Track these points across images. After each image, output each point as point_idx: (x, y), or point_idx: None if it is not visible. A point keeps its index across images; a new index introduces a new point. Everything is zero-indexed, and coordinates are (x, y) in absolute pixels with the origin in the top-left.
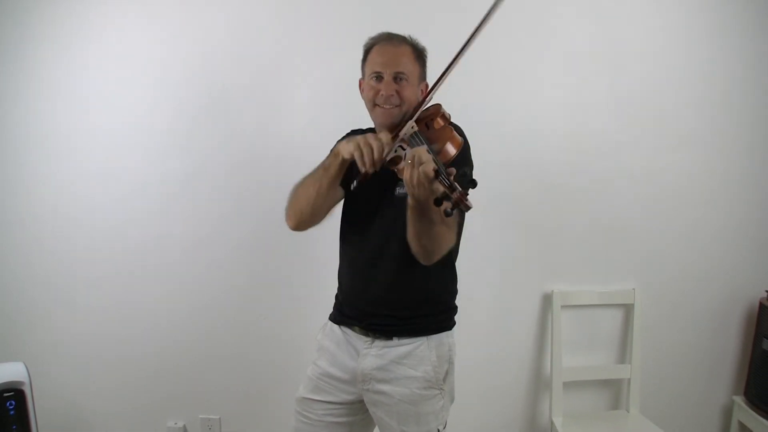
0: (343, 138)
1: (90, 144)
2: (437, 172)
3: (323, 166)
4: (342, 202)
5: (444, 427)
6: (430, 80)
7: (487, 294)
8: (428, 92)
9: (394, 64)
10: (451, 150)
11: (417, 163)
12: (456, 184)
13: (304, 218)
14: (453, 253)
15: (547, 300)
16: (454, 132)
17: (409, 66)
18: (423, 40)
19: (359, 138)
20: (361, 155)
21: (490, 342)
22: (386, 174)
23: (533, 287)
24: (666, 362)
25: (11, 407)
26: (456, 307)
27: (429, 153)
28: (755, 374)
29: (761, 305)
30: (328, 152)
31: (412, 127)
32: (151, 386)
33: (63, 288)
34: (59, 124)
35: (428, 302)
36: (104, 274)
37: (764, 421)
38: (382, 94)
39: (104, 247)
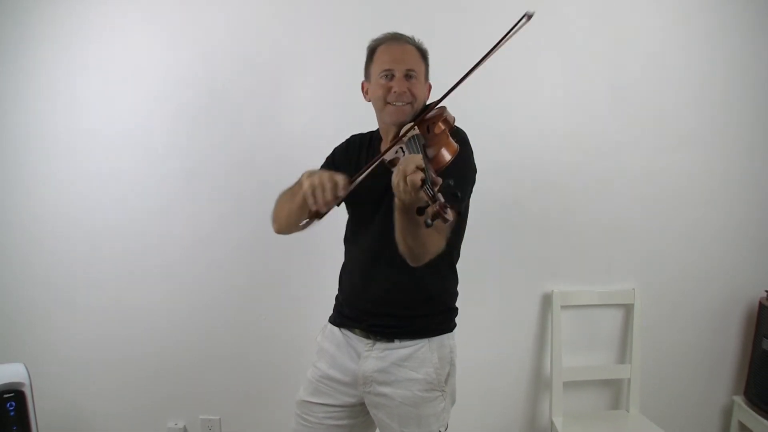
0: (341, 144)
1: (90, 144)
2: (423, 182)
3: (291, 191)
4: (343, 203)
5: (445, 429)
6: (433, 82)
7: (487, 294)
8: (436, 102)
9: (404, 61)
10: (446, 156)
11: (404, 173)
12: (439, 195)
13: (282, 229)
14: (454, 255)
15: (547, 300)
16: (451, 138)
17: (417, 64)
18: (423, 40)
19: (316, 177)
20: (314, 195)
21: (490, 342)
22: (388, 174)
23: (533, 287)
24: (666, 362)
25: (11, 408)
26: (457, 308)
27: (422, 160)
28: (755, 374)
29: (761, 305)
30: (327, 155)
31: (414, 129)
32: (151, 387)
33: (63, 288)
34: (59, 124)
35: (429, 303)
36: (104, 274)
37: (764, 421)
38: (394, 92)
39: (104, 248)
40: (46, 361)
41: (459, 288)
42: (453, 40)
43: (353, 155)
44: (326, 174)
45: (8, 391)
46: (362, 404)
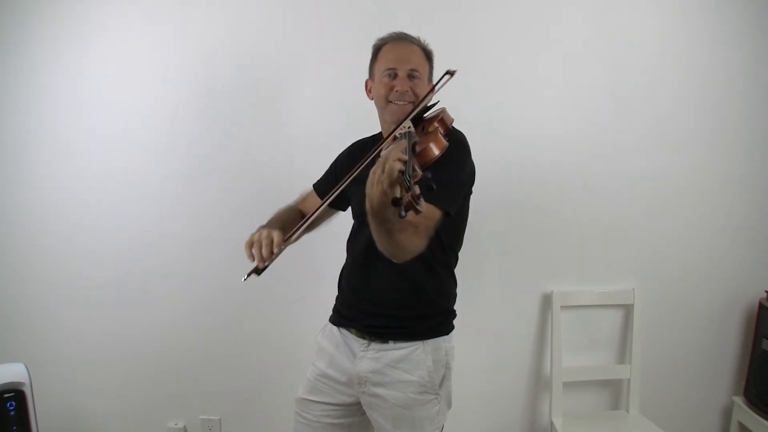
0: (343, 151)
1: (90, 144)
2: (401, 172)
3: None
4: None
5: None
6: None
7: (487, 294)
8: (409, 113)
9: (408, 61)
10: (434, 151)
11: (384, 159)
12: (415, 187)
13: None
14: (451, 257)
15: (547, 300)
16: (441, 136)
17: (421, 64)
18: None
19: (256, 234)
20: (251, 251)
21: (490, 342)
22: None
23: (533, 287)
24: (666, 362)
25: (12, 408)
26: (454, 311)
27: (405, 151)
28: (755, 374)
29: (761, 305)
30: (330, 163)
31: (408, 128)
32: (151, 387)
33: (63, 288)
34: (59, 125)
35: (424, 305)
36: (104, 275)
37: (764, 421)
38: (396, 91)
39: (104, 248)
40: (47, 361)
41: (459, 288)
42: (453, 40)
43: (357, 160)
44: (265, 231)
45: (8, 391)
46: (359, 404)
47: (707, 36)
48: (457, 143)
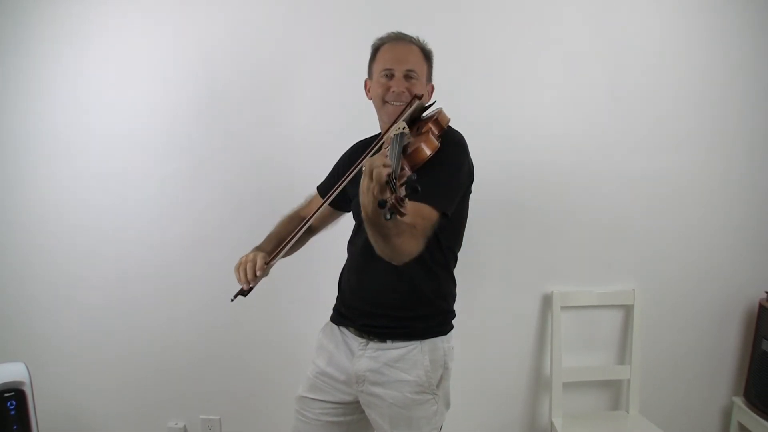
0: (345, 152)
1: (90, 144)
2: (389, 176)
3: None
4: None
5: None
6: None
7: (487, 295)
8: (397, 118)
9: (405, 61)
10: (426, 151)
11: (370, 166)
12: (401, 189)
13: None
14: (449, 257)
15: (547, 301)
16: (432, 137)
17: (419, 65)
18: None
19: (243, 257)
20: (238, 273)
21: (490, 342)
22: None
23: (533, 288)
24: (666, 363)
25: (12, 407)
26: (454, 311)
27: (388, 157)
28: (755, 375)
29: (761, 306)
30: (334, 162)
31: (403, 128)
32: (152, 386)
33: (63, 288)
34: (59, 125)
35: (422, 305)
36: (104, 274)
37: (764, 422)
38: (393, 91)
39: (104, 247)
40: (47, 360)
41: (459, 288)
42: (453, 40)
43: (358, 160)
44: (251, 254)
45: (9, 390)
46: (358, 402)
47: (707, 36)
48: (454, 143)
